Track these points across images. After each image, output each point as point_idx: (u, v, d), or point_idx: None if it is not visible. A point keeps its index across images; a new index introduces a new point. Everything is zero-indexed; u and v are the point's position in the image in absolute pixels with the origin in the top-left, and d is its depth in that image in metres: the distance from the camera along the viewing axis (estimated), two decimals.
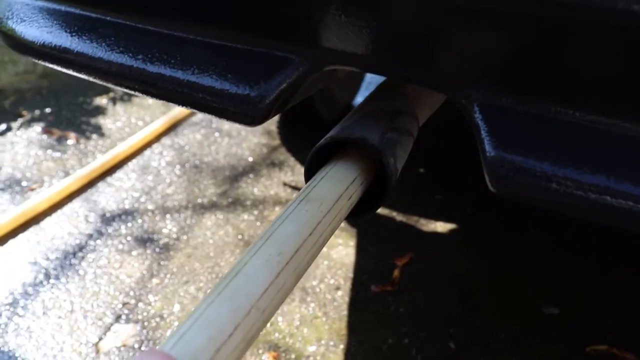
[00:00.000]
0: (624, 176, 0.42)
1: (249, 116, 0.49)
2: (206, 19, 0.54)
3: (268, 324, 1.22)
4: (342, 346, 1.18)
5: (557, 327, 1.26)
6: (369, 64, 0.48)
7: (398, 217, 1.57)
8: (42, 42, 0.63)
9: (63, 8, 0.63)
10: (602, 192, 0.42)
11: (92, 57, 0.58)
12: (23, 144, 1.88)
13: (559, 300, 1.33)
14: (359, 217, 0.49)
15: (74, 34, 0.61)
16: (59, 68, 0.63)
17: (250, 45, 0.51)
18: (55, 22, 0.63)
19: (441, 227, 1.54)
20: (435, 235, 1.51)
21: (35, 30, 0.64)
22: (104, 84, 0.59)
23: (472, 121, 0.44)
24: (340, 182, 0.43)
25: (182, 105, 0.54)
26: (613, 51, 0.41)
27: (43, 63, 0.64)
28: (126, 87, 0.57)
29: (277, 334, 1.20)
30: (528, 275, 1.40)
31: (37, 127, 1.98)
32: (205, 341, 0.28)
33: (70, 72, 0.62)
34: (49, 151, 1.84)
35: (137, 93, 0.57)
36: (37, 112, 2.09)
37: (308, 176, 0.47)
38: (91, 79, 0.60)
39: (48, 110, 2.11)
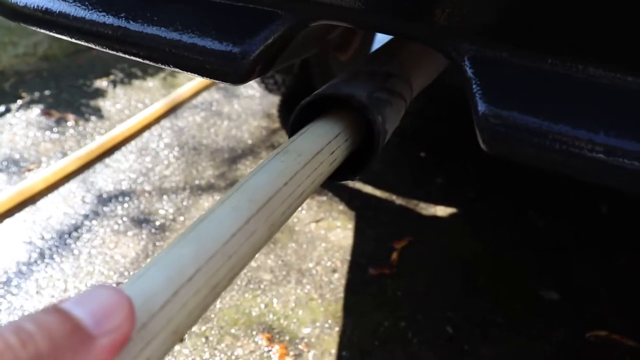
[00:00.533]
0: (623, 132, 0.40)
1: (232, 74, 0.47)
2: None
3: (262, 305, 1.20)
4: (337, 328, 1.16)
5: (556, 312, 1.24)
6: (357, 18, 0.46)
7: (398, 200, 1.55)
8: (24, 4, 0.61)
9: None
10: (599, 150, 0.40)
11: (74, 17, 0.56)
12: (22, 125, 1.86)
13: (558, 286, 1.31)
14: (344, 180, 0.47)
15: None
16: (43, 30, 0.61)
17: (234, 0, 0.49)
18: None
19: (441, 211, 1.52)
20: (435, 219, 1.49)
21: None
22: (87, 44, 0.57)
23: (463, 75, 0.42)
24: (321, 136, 0.41)
25: (164, 65, 0.52)
26: (609, 3, 0.39)
27: (26, 25, 0.62)
28: (108, 48, 0.55)
29: (271, 316, 1.18)
30: (528, 260, 1.37)
31: (36, 109, 1.96)
32: (163, 281, 0.26)
33: (53, 34, 0.60)
34: (48, 132, 1.83)
35: (119, 53, 0.55)
36: (36, 94, 2.08)
37: (292, 133, 0.45)
38: (74, 40, 0.58)
39: (47, 92, 2.10)
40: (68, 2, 0.57)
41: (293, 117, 0.45)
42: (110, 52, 0.55)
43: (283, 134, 1.86)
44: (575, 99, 0.40)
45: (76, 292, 1.22)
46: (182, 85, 2.15)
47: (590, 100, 0.40)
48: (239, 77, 0.47)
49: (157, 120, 1.92)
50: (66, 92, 2.11)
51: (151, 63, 0.52)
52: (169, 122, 1.92)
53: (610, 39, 0.39)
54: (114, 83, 2.20)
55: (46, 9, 0.59)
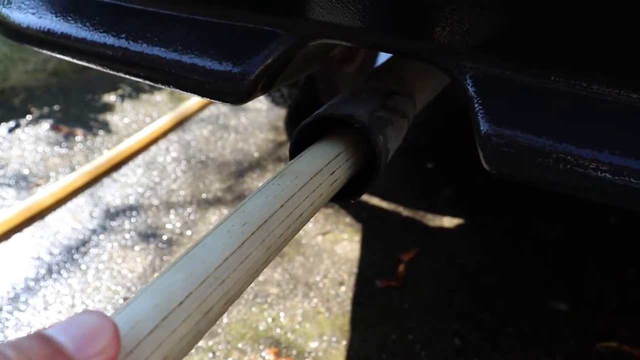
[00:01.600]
0: (627, 151, 0.39)
1: (232, 94, 0.47)
2: None
3: (269, 319, 1.20)
4: (344, 342, 1.15)
5: (566, 323, 1.22)
6: (357, 37, 0.45)
7: (404, 212, 1.54)
8: (27, 25, 0.61)
9: None
10: (603, 169, 0.39)
11: (75, 38, 0.56)
12: (31, 140, 1.88)
13: (567, 297, 1.29)
14: (350, 199, 0.46)
15: (58, 15, 0.59)
16: (44, 51, 0.61)
17: (233, 20, 0.49)
18: (39, 3, 0.61)
19: (448, 222, 1.51)
20: (441, 230, 1.48)
21: (21, 13, 0.62)
22: (88, 64, 0.57)
23: (464, 94, 0.42)
24: (320, 158, 0.41)
25: (165, 85, 0.52)
26: (615, 17, 0.38)
27: (29, 46, 0.62)
28: (109, 68, 0.55)
29: (278, 330, 1.17)
30: (536, 271, 1.36)
31: (45, 124, 1.98)
32: (151, 308, 0.26)
33: (55, 54, 0.60)
34: (56, 147, 1.84)
35: (121, 74, 0.55)
36: (45, 109, 2.10)
37: (292, 156, 0.45)
38: (75, 60, 0.58)
39: (57, 107, 2.11)
40: (69, 23, 0.57)
41: (293, 138, 0.45)
42: (112, 72, 0.55)
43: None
44: (578, 117, 0.40)
45: (84, 307, 1.22)
46: (189, 98, 2.16)
47: (594, 118, 0.39)
48: (239, 98, 0.47)
49: (164, 134, 1.93)
50: (75, 107, 2.13)
51: (152, 83, 0.52)
52: (176, 135, 1.92)
53: (615, 55, 0.39)
54: (122, 97, 2.22)
55: (48, 30, 0.59)
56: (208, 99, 0.49)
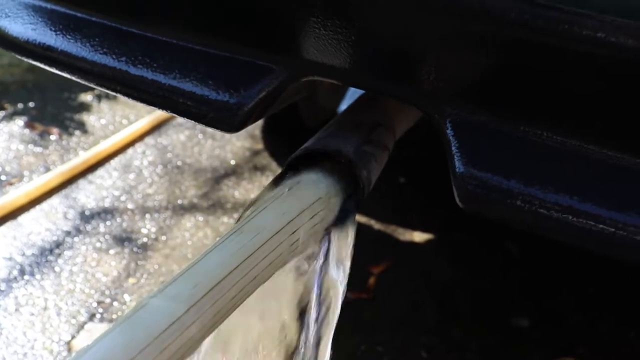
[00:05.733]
0: (588, 197, 0.44)
1: (227, 123, 0.50)
2: (189, 24, 0.54)
3: None
4: None
5: (527, 339, 1.28)
6: (346, 77, 0.49)
7: (376, 225, 1.58)
8: (26, 39, 0.63)
9: (49, 6, 0.63)
10: (565, 212, 0.43)
11: (75, 56, 0.59)
12: (4, 137, 1.86)
13: (530, 313, 1.35)
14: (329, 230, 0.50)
15: (58, 32, 0.61)
16: (42, 65, 0.63)
17: (232, 52, 0.52)
18: (40, 19, 0.63)
19: (419, 237, 1.56)
20: (412, 245, 1.53)
21: (20, 26, 0.64)
22: (86, 83, 0.59)
23: (444, 137, 0.46)
24: (282, 214, 0.40)
25: (162, 109, 0.54)
26: (584, 78, 0.43)
27: (26, 60, 0.64)
28: (108, 88, 0.57)
29: None
30: (503, 287, 1.42)
31: (20, 121, 1.96)
32: None
33: (53, 70, 0.62)
34: (31, 146, 1.82)
35: (118, 94, 0.57)
36: (20, 105, 2.07)
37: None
38: (74, 77, 0.60)
39: (32, 104, 2.09)
40: (70, 41, 0.60)
41: (283, 170, 0.48)
42: (110, 92, 0.57)
43: (266, 155, 1.89)
44: (545, 165, 0.44)
45: (56, 310, 1.23)
46: None
47: (560, 167, 0.44)
48: (233, 127, 0.50)
49: (141, 137, 1.93)
50: (51, 105, 2.11)
51: (149, 106, 0.55)
52: (153, 139, 1.93)
53: (577, 113, 0.43)
54: (99, 98, 2.21)
55: (48, 46, 0.61)
56: (204, 125, 0.52)
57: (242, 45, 0.52)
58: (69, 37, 0.60)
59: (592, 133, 0.43)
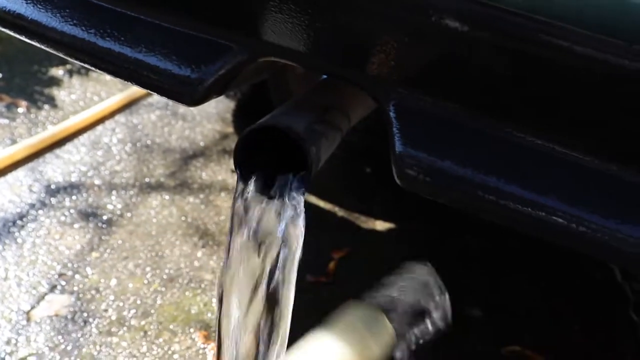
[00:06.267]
0: (513, 179, 0.48)
1: (188, 96, 0.53)
2: (157, 1, 0.57)
3: (201, 304, 1.25)
4: None
5: (477, 328, 1.34)
6: (301, 60, 0.53)
7: (340, 213, 1.63)
8: None
9: None
10: (491, 192, 0.48)
11: (45, 26, 0.61)
12: None
13: (483, 304, 1.41)
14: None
15: (29, 1, 0.63)
16: (12, 33, 0.65)
17: (196, 30, 0.55)
18: None
19: (380, 225, 1.61)
20: (373, 232, 1.58)
21: None
22: (55, 53, 0.62)
23: (386, 119, 0.50)
24: None
25: (128, 81, 0.57)
26: (514, 67, 0.48)
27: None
28: (76, 59, 0.60)
29: (209, 314, 1.23)
30: (458, 278, 1.47)
31: None
32: None
33: (23, 38, 0.64)
34: None
35: (86, 65, 0.60)
36: None
37: (237, 163, 0.51)
38: (43, 47, 0.62)
39: None
40: (41, 11, 0.62)
41: (237, 145, 0.51)
42: (77, 62, 0.60)
43: (235, 138, 1.90)
44: (477, 148, 0.48)
45: (17, 280, 1.24)
46: None
47: (491, 151, 0.48)
48: (193, 100, 0.54)
49: (111, 114, 1.93)
50: (19, 77, 2.09)
51: (115, 77, 0.57)
52: (123, 117, 1.93)
53: (510, 101, 0.48)
54: (70, 73, 2.19)
55: (18, 14, 0.63)
56: (165, 98, 0.55)
57: (205, 24, 0.55)
58: (40, 6, 0.62)
59: (521, 121, 0.48)
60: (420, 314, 0.52)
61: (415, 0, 0.46)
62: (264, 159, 0.57)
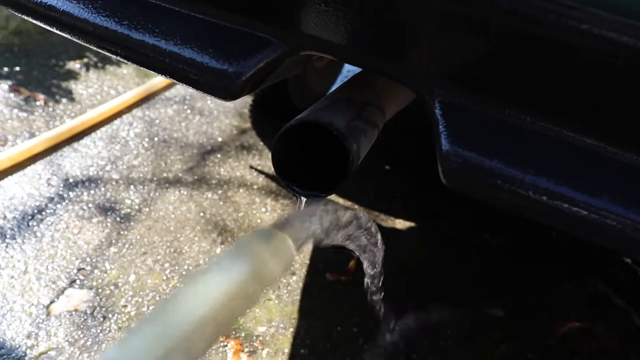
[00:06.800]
0: (564, 180, 0.46)
1: (225, 90, 0.52)
2: None
3: None
4: (291, 329, 1.21)
5: (501, 328, 1.32)
6: (344, 53, 0.51)
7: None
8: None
9: None
10: (542, 193, 0.46)
11: (77, 17, 0.59)
12: None
13: (505, 304, 1.39)
14: (319, 197, 0.52)
15: None
16: (43, 25, 0.64)
17: (233, 23, 0.54)
18: None
19: (400, 224, 1.59)
20: (393, 231, 1.56)
21: None
22: (87, 44, 0.60)
23: (432, 116, 0.48)
24: None
25: (162, 74, 0.56)
26: (564, 67, 0.45)
27: (28, 19, 0.65)
28: (109, 51, 0.58)
29: None
30: (479, 277, 1.45)
31: (5, 85, 1.94)
32: None
33: (54, 30, 0.63)
34: (16, 110, 1.81)
35: (119, 58, 0.58)
36: (5, 69, 2.05)
37: (276, 156, 0.50)
38: (74, 39, 0.61)
39: (17, 68, 2.07)
40: (73, 2, 0.60)
41: (277, 140, 0.50)
42: (111, 55, 0.58)
43: (253, 134, 1.90)
44: (527, 148, 0.46)
45: (36, 274, 1.23)
46: (157, 75, 2.16)
47: (540, 150, 0.46)
48: (230, 94, 0.52)
49: (129, 108, 1.93)
50: (37, 71, 2.09)
51: (149, 70, 0.56)
52: (140, 112, 1.93)
53: (558, 99, 0.46)
54: (87, 66, 2.19)
55: (50, 5, 0.62)
56: (202, 92, 0.54)
57: (243, 16, 0.53)
58: None
59: (572, 119, 0.46)
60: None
61: None
62: (300, 153, 0.56)
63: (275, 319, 1.23)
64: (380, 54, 0.49)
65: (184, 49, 0.53)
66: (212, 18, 0.54)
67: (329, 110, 0.53)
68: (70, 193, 1.48)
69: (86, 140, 1.71)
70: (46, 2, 0.61)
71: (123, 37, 0.56)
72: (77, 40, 0.61)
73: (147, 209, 1.47)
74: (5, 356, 1.07)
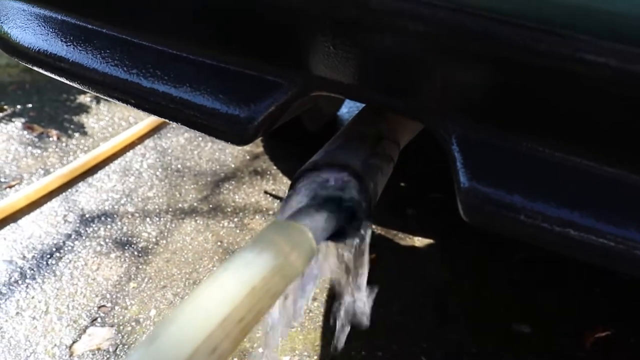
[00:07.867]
0: (589, 212, 0.45)
1: (237, 136, 0.51)
2: (201, 38, 0.55)
3: None
4: (316, 357, 1.19)
5: (527, 344, 1.29)
6: (355, 93, 0.50)
7: (377, 230, 1.59)
8: (37, 49, 0.64)
9: (60, 17, 0.64)
10: (567, 226, 0.45)
11: (86, 67, 0.60)
12: (3, 139, 1.86)
13: (530, 319, 1.36)
14: (342, 240, 0.51)
15: (69, 43, 0.62)
16: (53, 76, 0.64)
17: (243, 67, 0.53)
18: (51, 30, 0.64)
19: (418, 242, 1.57)
20: (413, 249, 1.54)
21: (31, 36, 0.65)
22: (97, 94, 0.60)
23: (449, 152, 0.47)
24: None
25: (173, 121, 0.55)
26: (582, 97, 0.44)
27: (37, 69, 0.65)
28: (120, 100, 0.58)
29: (247, 343, 1.21)
30: (503, 293, 1.43)
31: (18, 123, 1.97)
32: None
33: (64, 80, 0.63)
34: (30, 148, 1.83)
35: (129, 106, 0.58)
36: (18, 107, 2.08)
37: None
38: (84, 88, 0.61)
39: (30, 105, 2.10)
40: (82, 52, 0.61)
41: (294, 182, 0.49)
42: (121, 103, 0.58)
43: (266, 159, 1.90)
44: (546, 180, 0.45)
45: (57, 314, 1.23)
46: None
47: (561, 182, 0.45)
48: (244, 140, 0.52)
49: (140, 139, 1.94)
50: (49, 106, 2.12)
51: (160, 118, 0.56)
52: (152, 142, 1.94)
53: (576, 130, 0.44)
54: (98, 99, 2.21)
55: (59, 56, 0.62)
56: (214, 138, 0.54)
57: (252, 60, 0.53)
58: (80, 48, 0.61)
59: (591, 149, 0.45)
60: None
61: (474, 32, 0.43)
62: None
63: (299, 347, 1.22)
64: (392, 92, 0.49)
65: (195, 96, 0.53)
66: (221, 63, 0.54)
67: (343, 149, 0.52)
68: (87, 229, 1.49)
69: (100, 174, 1.72)
70: (55, 53, 0.62)
71: (133, 86, 0.56)
72: (88, 90, 0.61)
73: (164, 241, 1.47)
74: None
